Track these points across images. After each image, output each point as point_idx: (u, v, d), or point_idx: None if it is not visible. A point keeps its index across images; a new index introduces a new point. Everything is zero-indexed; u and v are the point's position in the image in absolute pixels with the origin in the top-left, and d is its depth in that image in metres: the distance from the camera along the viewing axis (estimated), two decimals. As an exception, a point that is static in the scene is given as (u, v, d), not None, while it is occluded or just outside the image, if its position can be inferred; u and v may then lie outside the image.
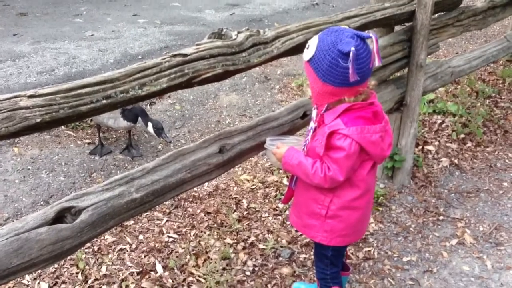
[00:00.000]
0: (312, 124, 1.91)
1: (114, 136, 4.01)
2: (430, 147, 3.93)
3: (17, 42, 5.43)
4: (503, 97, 5.01)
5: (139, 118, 3.52)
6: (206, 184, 3.40)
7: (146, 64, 1.75)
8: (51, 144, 3.74)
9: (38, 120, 1.44)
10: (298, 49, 2.26)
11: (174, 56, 1.84)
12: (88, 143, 3.82)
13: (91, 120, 3.69)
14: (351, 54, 1.60)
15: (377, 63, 1.72)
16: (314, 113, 1.91)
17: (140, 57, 5.25)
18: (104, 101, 1.59)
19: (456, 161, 3.80)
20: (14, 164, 3.44)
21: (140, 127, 4.08)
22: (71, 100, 1.53)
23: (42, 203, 3.07)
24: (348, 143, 1.72)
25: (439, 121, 4.33)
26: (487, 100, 4.88)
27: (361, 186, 1.89)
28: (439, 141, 4.04)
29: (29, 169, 3.41)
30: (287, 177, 3.40)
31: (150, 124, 3.45)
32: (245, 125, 2.31)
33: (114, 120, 3.42)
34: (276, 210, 3.12)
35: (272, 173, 3.51)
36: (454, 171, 3.70)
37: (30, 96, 1.46)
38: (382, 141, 1.81)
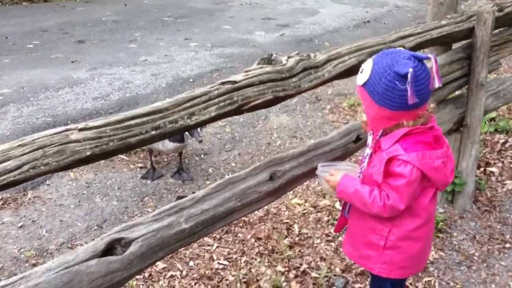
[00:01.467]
0: (368, 151, 1.83)
1: (165, 160, 4.04)
2: (493, 169, 3.71)
3: (75, 69, 5.63)
4: None
5: (186, 136, 3.51)
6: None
7: (195, 93, 1.73)
8: (105, 168, 3.81)
9: (89, 153, 1.44)
10: (350, 72, 2.19)
11: (223, 83, 1.81)
12: (141, 167, 3.87)
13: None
14: (409, 76, 1.53)
15: (437, 84, 1.63)
16: (369, 139, 1.83)
17: (191, 80, 5.32)
18: (153, 132, 1.58)
19: (522, 183, 3.56)
20: (70, 189, 3.52)
21: (190, 150, 4.09)
22: (121, 132, 1.52)
23: (95, 228, 3.11)
24: (408, 169, 1.62)
25: (501, 141, 4.11)
26: (554, 118, 4.58)
27: (422, 215, 1.78)
28: (502, 162, 3.81)
29: (84, 193, 3.48)
30: (340, 201, 3.30)
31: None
32: (296, 151, 2.24)
33: (162, 143, 3.45)
34: (329, 236, 3.02)
35: (324, 197, 3.42)
36: (520, 194, 3.47)
37: (81, 129, 1.46)
38: (445, 167, 1.70)
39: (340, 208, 3.21)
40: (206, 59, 5.91)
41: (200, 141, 3.49)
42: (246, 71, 1.92)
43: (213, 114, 1.73)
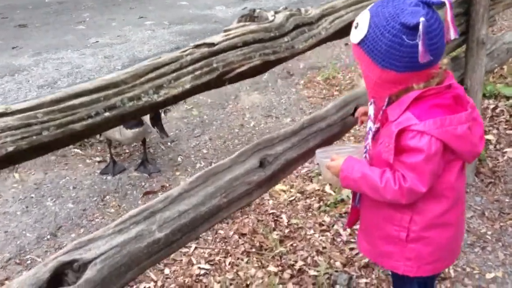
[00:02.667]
0: (371, 124, 1.44)
1: (127, 151, 3.56)
2: (489, 137, 3.40)
3: (16, 56, 5.01)
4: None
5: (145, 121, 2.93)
6: (236, 199, 2.94)
7: (161, 59, 1.28)
8: (56, 165, 3.30)
9: (10, 149, 0.98)
10: (349, 29, 1.78)
11: (198, 46, 1.38)
12: (99, 161, 3.38)
13: (100, 134, 3.20)
14: (420, 27, 1.18)
15: (452, 35, 1.30)
16: (370, 109, 1.44)
17: (149, 60, 4.80)
18: (106, 114, 1.13)
19: (523, 150, 3.27)
20: (16, 193, 2.99)
21: (155, 138, 3.62)
22: (60, 116, 1.07)
23: (48, 237, 2.62)
24: (426, 141, 1.26)
25: (491, 106, 3.81)
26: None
27: (449, 195, 1.42)
28: (497, 129, 3.52)
29: (32, 197, 2.96)
30: (330, 184, 2.92)
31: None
32: (288, 129, 1.84)
33: (119, 131, 2.92)
34: (323, 225, 2.64)
35: (311, 180, 3.04)
36: (522, 162, 3.18)
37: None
38: (471, 133, 1.33)
39: (333, 193, 2.87)
40: (165, 38, 5.38)
41: (163, 138, 2.95)
42: (226, 31, 1.49)
43: (187, 86, 1.30)
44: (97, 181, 3.15)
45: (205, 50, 1.37)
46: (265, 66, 1.51)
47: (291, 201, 2.87)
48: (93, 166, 3.32)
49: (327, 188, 2.90)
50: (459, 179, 1.43)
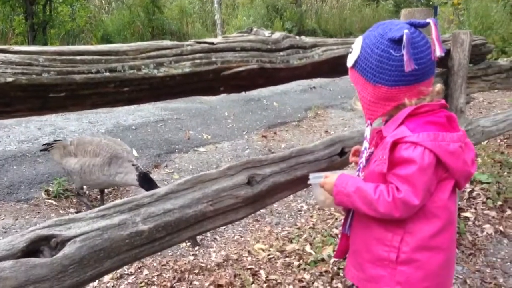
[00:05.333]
0: (366, 144, 1.46)
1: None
2: (468, 214, 3.43)
3: (-1, 116, 5.00)
4: (528, 168, 4.63)
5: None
6: (213, 254, 2.83)
7: (163, 43, 1.31)
8: (28, 213, 3.16)
9: (10, 79, 0.96)
10: (339, 61, 1.86)
11: (198, 42, 1.41)
12: (75, 213, 3.25)
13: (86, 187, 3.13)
14: (404, 38, 1.26)
15: (438, 52, 1.34)
16: (367, 131, 1.47)
17: (134, 128, 4.84)
18: (107, 74, 1.13)
19: (501, 228, 3.28)
20: (-19, 233, 2.83)
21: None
22: (60, 65, 1.06)
23: None
24: (419, 152, 1.27)
25: (468, 190, 3.88)
26: (513, 170, 4.48)
27: (441, 215, 1.38)
28: (475, 209, 3.55)
29: (-2, 237, 2.80)
30: (310, 244, 2.85)
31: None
32: (277, 155, 1.83)
33: (124, 174, 2.96)
34: (303, 282, 2.53)
35: (291, 241, 2.96)
36: (501, 239, 3.18)
37: (1, 51, 0.99)
38: (463, 152, 1.34)
39: (313, 252, 2.79)
40: (150, 111, 5.48)
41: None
42: (224, 37, 1.53)
43: (187, 70, 1.31)
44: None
45: (205, 45, 1.40)
46: (262, 74, 1.54)
47: (270, 258, 2.77)
48: (65, 216, 3.19)
49: (308, 248, 2.82)
50: (451, 200, 1.41)
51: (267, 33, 1.65)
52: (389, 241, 1.39)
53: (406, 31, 1.26)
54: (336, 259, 2.62)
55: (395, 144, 1.30)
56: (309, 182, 1.58)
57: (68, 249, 1.15)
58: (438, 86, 1.41)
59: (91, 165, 2.92)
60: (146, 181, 2.99)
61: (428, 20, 1.34)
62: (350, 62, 1.41)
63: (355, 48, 1.39)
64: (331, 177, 1.45)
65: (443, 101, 1.39)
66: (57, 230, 1.18)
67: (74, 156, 3.05)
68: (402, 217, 1.33)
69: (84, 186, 3.16)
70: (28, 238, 1.13)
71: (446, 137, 1.30)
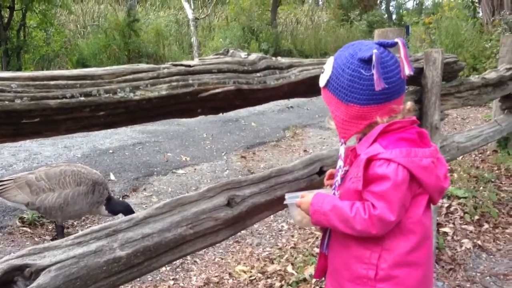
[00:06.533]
0: (341, 163, 1.46)
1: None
2: (446, 229, 3.46)
3: (-28, 143, 4.90)
4: (503, 182, 4.72)
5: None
6: (194, 278, 2.79)
7: (139, 66, 1.30)
8: (2, 242, 3.08)
9: (-19, 105, 0.94)
10: (315, 81, 1.87)
11: (175, 65, 1.41)
12: (51, 240, 3.17)
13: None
14: (373, 57, 1.28)
15: (407, 71, 1.36)
16: (341, 149, 1.48)
17: (111, 151, 4.78)
18: (82, 98, 1.11)
19: (479, 242, 3.32)
20: (-48, 263, 2.74)
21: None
22: (34, 91, 1.04)
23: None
24: (393, 169, 1.28)
25: (446, 205, 3.93)
26: (488, 185, 4.55)
27: (417, 230, 1.38)
28: (453, 224, 3.58)
29: (-30, 267, 2.71)
30: (292, 264, 2.83)
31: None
32: (256, 176, 1.83)
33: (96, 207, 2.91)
34: (285, 304, 2.50)
35: (273, 261, 2.93)
36: (480, 253, 3.21)
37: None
38: (436, 167, 1.36)
39: (295, 272, 2.77)
40: (127, 134, 5.44)
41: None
42: (201, 59, 1.54)
43: (163, 92, 1.30)
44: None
45: (181, 68, 1.40)
46: (239, 95, 1.54)
47: (251, 280, 2.74)
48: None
49: (289, 268, 2.80)
50: (426, 215, 1.42)
51: (243, 54, 1.66)
52: (367, 258, 1.39)
53: (375, 51, 1.29)
54: (319, 279, 2.60)
55: (369, 161, 1.31)
56: (285, 202, 1.57)
57: (42, 278, 1.12)
58: (409, 104, 1.43)
59: (75, 195, 2.80)
60: (116, 206, 2.97)
61: (396, 40, 1.37)
62: (322, 82, 1.43)
63: (327, 68, 1.41)
64: (307, 196, 1.45)
65: (413, 118, 1.41)
66: (31, 260, 1.15)
67: (51, 190, 2.82)
68: (379, 234, 1.33)
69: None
70: (1, 269, 1.10)
71: (418, 153, 1.31)
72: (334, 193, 1.46)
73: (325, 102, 1.46)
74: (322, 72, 1.44)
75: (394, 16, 26.57)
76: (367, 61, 1.30)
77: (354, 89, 1.33)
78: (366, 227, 1.31)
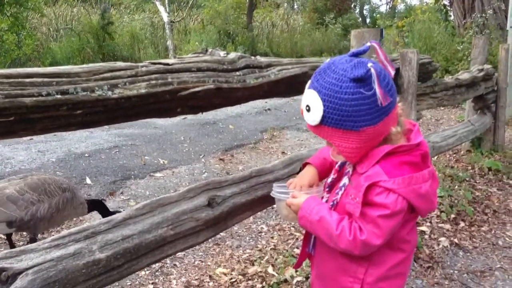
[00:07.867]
0: (345, 181, 1.41)
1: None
2: (423, 228, 3.50)
3: None
4: (477, 181, 4.80)
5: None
6: (174, 281, 2.75)
7: (117, 64, 1.28)
8: (-26, 249, 2.99)
9: (-47, 103, 0.90)
10: (294, 80, 1.88)
11: (153, 63, 1.39)
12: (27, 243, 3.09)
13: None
14: (372, 71, 1.20)
15: (391, 71, 1.31)
16: (340, 163, 1.46)
17: (87, 155, 4.70)
18: (58, 96, 1.08)
19: (456, 240, 3.36)
20: None
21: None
22: (9, 88, 1.01)
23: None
24: (393, 200, 1.24)
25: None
26: (463, 184, 4.63)
27: (406, 248, 1.40)
28: (430, 222, 3.62)
29: None
30: (273, 265, 2.82)
31: None
32: (237, 175, 1.82)
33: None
34: (266, 305, 2.49)
35: (253, 263, 2.92)
36: (457, 251, 3.25)
37: None
38: (431, 189, 1.34)
39: (276, 274, 2.75)
40: (103, 138, 5.35)
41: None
42: (180, 58, 1.52)
43: (142, 91, 1.28)
44: None
45: (160, 66, 1.38)
46: (218, 93, 1.53)
47: (232, 282, 2.72)
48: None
49: (270, 269, 2.79)
50: (413, 231, 1.43)
51: (222, 53, 1.65)
52: (354, 272, 1.38)
53: (370, 64, 1.21)
54: (299, 280, 2.60)
55: (369, 186, 1.26)
56: (272, 194, 1.53)
57: (20, 282, 1.08)
58: (400, 104, 1.40)
59: (65, 201, 2.72)
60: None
61: (368, 44, 1.30)
62: (314, 121, 1.27)
63: (313, 105, 1.26)
64: (299, 198, 1.41)
65: (419, 141, 1.33)
66: (7, 263, 1.11)
67: (40, 201, 2.64)
68: (362, 255, 1.32)
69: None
70: (-24, 274, 1.06)
71: (419, 179, 1.27)
72: (322, 197, 1.45)
73: (323, 138, 1.32)
74: (308, 111, 1.28)
75: (368, 20, 26.95)
76: (361, 79, 1.20)
77: (361, 113, 1.21)
78: (349, 248, 1.30)
